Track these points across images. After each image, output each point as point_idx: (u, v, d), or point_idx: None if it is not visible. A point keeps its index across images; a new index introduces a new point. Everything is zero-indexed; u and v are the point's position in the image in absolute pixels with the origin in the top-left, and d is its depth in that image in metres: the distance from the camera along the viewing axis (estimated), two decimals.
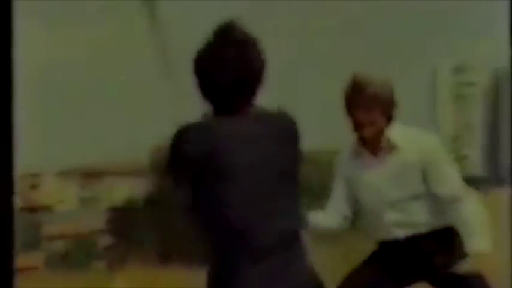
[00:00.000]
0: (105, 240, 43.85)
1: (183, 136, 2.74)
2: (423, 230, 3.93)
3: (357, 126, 3.92)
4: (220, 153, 2.69)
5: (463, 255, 3.79)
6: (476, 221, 3.77)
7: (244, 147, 2.72)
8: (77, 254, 44.97)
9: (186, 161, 2.71)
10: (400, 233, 3.92)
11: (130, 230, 37.00)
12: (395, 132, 3.92)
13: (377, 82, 3.89)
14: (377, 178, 3.92)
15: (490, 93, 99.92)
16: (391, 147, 3.91)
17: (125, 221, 39.07)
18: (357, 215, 4.05)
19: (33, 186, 72.56)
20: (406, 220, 3.91)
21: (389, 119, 3.92)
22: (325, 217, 4.01)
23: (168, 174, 2.77)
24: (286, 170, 2.80)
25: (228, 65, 2.71)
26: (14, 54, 3.41)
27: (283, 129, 2.84)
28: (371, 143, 3.94)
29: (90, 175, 77.16)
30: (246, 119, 2.76)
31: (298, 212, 2.84)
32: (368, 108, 3.86)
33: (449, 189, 3.86)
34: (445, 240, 3.94)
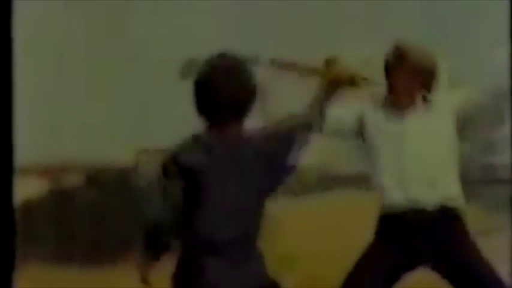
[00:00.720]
0: None
1: (179, 148, 3.20)
2: (436, 198, 3.89)
3: (392, 92, 3.95)
4: (202, 167, 3.16)
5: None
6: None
7: (225, 160, 3.18)
8: None
9: (181, 166, 3.16)
10: (418, 194, 3.88)
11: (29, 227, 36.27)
12: (432, 94, 3.95)
13: (420, 53, 3.91)
14: (406, 136, 3.92)
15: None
16: (424, 106, 3.94)
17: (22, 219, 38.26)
18: (375, 173, 4.01)
19: None
20: (426, 182, 3.88)
21: (428, 87, 3.95)
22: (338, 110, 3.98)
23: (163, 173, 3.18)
24: (259, 190, 3.23)
25: (223, 89, 3.18)
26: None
27: (267, 155, 3.24)
28: (403, 105, 3.95)
29: None
30: (233, 137, 3.22)
31: (257, 220, 3.27)
32: (407, 76, 3.90)
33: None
34: (452, 227, 3.92)
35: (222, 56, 3.25)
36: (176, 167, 3.14)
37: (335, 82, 3.76)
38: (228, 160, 3.18)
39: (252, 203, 3.23)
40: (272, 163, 3.24)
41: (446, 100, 3.96)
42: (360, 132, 4.04)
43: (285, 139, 3.28)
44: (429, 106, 3.94)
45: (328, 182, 8.70)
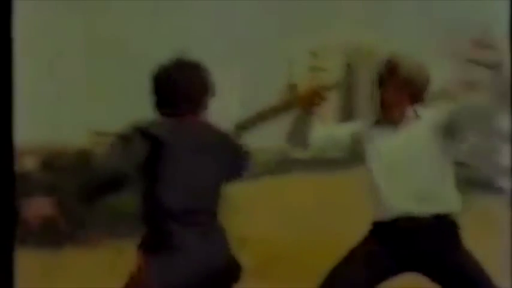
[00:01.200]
0: None
1: (146, 123, 3.43)
2: (429, 208, 3.92)
3: (384, 105, 3.98)
4: (168, 139, 3.39)
5: None
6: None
7: (188, 139, 3.44)
8: None
9: (145, 137, 3.38)
10: (407, 206, 3.90)
11: None
12: (422, 108, 3.98)
13: (411, 67, 3.95)
14: (397, 149, 3.95)
15: (344, 78, 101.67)
16: (415, 120, 3.96)
17: None
18: (372, 185, 4.02)
19: None
20: (419, 194, 3.91)
21: (419, 100, 3.98)
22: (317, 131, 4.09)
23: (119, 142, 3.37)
24: (220, 169, 3.52)
25: (181, 84, 3.50)
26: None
27: (223, 142, 3.57)
28: (395, 119, 3.98)
29: None
30: (193, 123, 3.51)
31: (218, 197, 3.53)
32: (398, 90, 3.94)
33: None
34: (439, 231, 3.94)
35: (179, 58, 3.57)
36: (142, 136, 3.35)
37: (308, 104, 3.97)
38: (190, 140, 3.44)
39: (211, 182, 3.49)
40: (232, 158, 3.58)
41: (434, 112, 3.98)
42: (355, 147, 4.09)
43: (237, 150, 3.61)
44: (420, 119, 3.96)
45: (286, 164, 8.73)
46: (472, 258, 3.91)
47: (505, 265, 7.23)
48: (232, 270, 3.51)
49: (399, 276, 3.95)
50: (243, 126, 3.97)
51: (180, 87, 3.50)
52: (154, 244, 3.39)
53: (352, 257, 3.96)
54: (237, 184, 3.64)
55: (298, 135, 4.09)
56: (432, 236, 3.90)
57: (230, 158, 3.58)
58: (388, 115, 3.99)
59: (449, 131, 3.92)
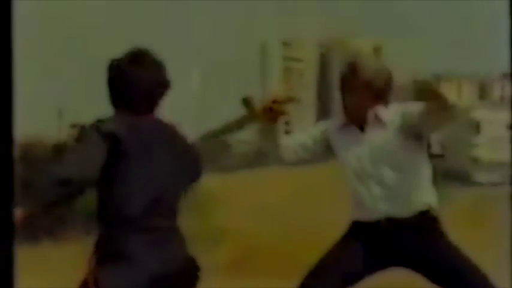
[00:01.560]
0: None
1: (102, 120, 3.33)
2: (405, 209, 3.90)
3: (347, 108, 3.94)
4: (125, 138, 3.28)
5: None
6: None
7: (146, 138, 3.34)
8: None
9: (104, 135, 3.27)
10: (385, 208, 3.88)
11: None
12: (386, 109, 3.92)
13: (372, 67, 3.90)
14: (363, 152, 3.91)
15: (318, 68, 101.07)
16: (378, 123, 3.90)
17: None
18: (350, 186, 4.00)
19: None
20: (390, 195, 3.89)
21: (382, 102, 3.93)
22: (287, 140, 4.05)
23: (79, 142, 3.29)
24: (179, 170, 3.42)
25: (139, 81, 3.38)
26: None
27: (181, 142, 3.46)
28: (359, 121, 3.93)
29: None
30: (151, 121, 3.41)
31: (177, 199, 3.43)
32: (360, 92, 3.89)
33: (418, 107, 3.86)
34: (421, 228, 3.91)
35: (140, 51, 3.44)
36: (99, 135, 3.24)
37: (267, 119, 3.93)
38: (148, 139, 3.33)
39: (170, 183, 3.37)
40: (189, 159, 3.47)
41: (397, 112, 3.92)
42: (325, 149, 4.05)
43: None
44: (384, 121, 3.91)
45: (264, 157, 8.73)
46: (456, 250, 3.88)
47: (505, 265, 7.25)
48: (190, 273, 3.42)
49: (399, 276, 3.93)
50: (207, 138, 3.93)
51: (136, 83, 3.37)
52: (106, 251, 3.30)
53: (331, 256, 3.92)
54: (216, 177, 3.61)
55: (269, 148, 4.08)
56: (413, 233, 3.88)
57: (188, 160, 3.48)
58: (353, 117, 3.93)
59: (412, 131, 3.88)
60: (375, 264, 3.91)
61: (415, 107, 3.81)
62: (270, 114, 3.91)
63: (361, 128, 3.91)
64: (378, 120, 3.85)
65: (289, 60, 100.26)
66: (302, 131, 4.11)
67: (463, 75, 74.66)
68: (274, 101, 3.90)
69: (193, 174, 3.50)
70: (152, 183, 3.31)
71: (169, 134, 3.41)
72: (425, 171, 3.94)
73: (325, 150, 4.05)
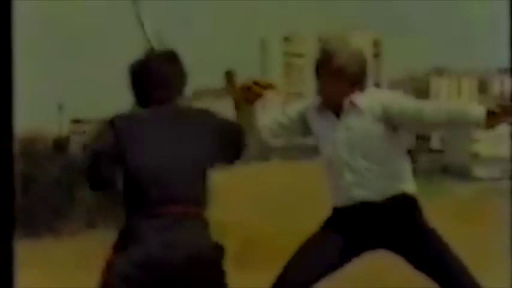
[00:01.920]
0: None
1: (115, 116, 3.46)
2: (379, 195, 3.93)
3: (322, 95, 3.97)
4: (137, 129, 3.41)
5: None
6: (452, 102, 3.82)
7: (157, 126, 3.42)
8: None
9: (116, 130, 3.40)
10: (358, 194, 3.92)
11: None
12: (362, 96, 3.94)
13: (346, 53, 3.93)
14: (338, 138, 3.94)
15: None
16: (354, 109, 3.93)
17: None
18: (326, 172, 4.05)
19: None
20: (363, 182, 3.92)
21: (358, 88, 3.95)
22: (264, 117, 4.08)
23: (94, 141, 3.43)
24: (195, 153, 3.44)
25: (158, 75, 3.51)
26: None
27: (198, 123, 3.48)
28: (334, 108, 3.97)
29: None
30: (168, 108, 3.49)
31: (201, 188, 3.47)
32: (334, 78, 3.92)
33: (412, 107, 3.88)
34: (399, 210, 3.95)
35: (153, 49, 3.62)
36: (107, 123, 3.39)
37: (243, 99, 3.97)
38: (158, 122, 3.43)
39: (187, 167, 3.41)
40: (203, 129, 3.47)
41: (377, 100, 3.94)
42: (307, 129, 4.09)
43: (233, 128, 3.54)
44: (360, 107, 3.93)
45: (264, 151, 8.71)
46: (437, 236, 3.92)
47: (505, 265, 7.28)
48: (200, 261, 3.37)
49: (399, 276, 3.93)
50: None
51: (155, 76, 3.49)
52: (122, 237, 3.38)
53: (310, 244, 3.96)
54: (216, 171, 3.63)
55: (247, 131, 4.10)
56: (390, 216, 3.93)
57: (218, 139, 3.49)
58: (328, 104, 3.97)
59: (388, 121, 3.91)
60: (353, 249, 3.96)
61: (408, 104, 3.86)
62: (247, 94, 3.96)
63: (337, 115, 3.94)
64: (354, 106, 3.87)
65: (289, 55, 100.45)
66: (279, 110, 4.14)
67: (462, 71, 74.75)
68: (254, 82, 3.95)
69: (215, 157, 3.49)
70: (153, 169, 3.35)
71: (190, 115, 3.47)
72: (401, 161, 3.97)
73: (303, 130, 4.08)
